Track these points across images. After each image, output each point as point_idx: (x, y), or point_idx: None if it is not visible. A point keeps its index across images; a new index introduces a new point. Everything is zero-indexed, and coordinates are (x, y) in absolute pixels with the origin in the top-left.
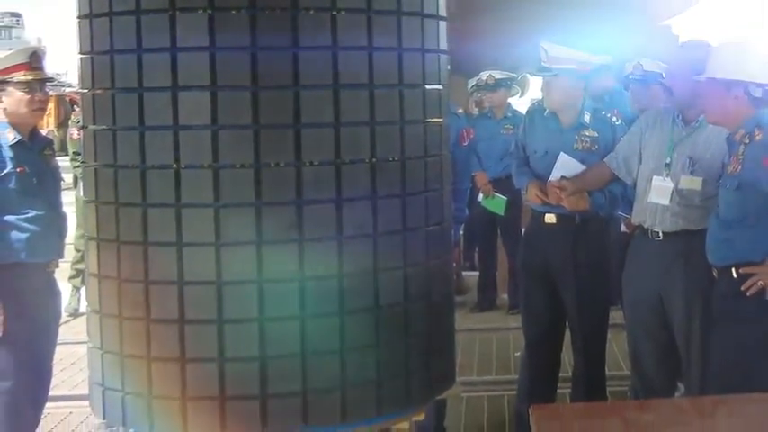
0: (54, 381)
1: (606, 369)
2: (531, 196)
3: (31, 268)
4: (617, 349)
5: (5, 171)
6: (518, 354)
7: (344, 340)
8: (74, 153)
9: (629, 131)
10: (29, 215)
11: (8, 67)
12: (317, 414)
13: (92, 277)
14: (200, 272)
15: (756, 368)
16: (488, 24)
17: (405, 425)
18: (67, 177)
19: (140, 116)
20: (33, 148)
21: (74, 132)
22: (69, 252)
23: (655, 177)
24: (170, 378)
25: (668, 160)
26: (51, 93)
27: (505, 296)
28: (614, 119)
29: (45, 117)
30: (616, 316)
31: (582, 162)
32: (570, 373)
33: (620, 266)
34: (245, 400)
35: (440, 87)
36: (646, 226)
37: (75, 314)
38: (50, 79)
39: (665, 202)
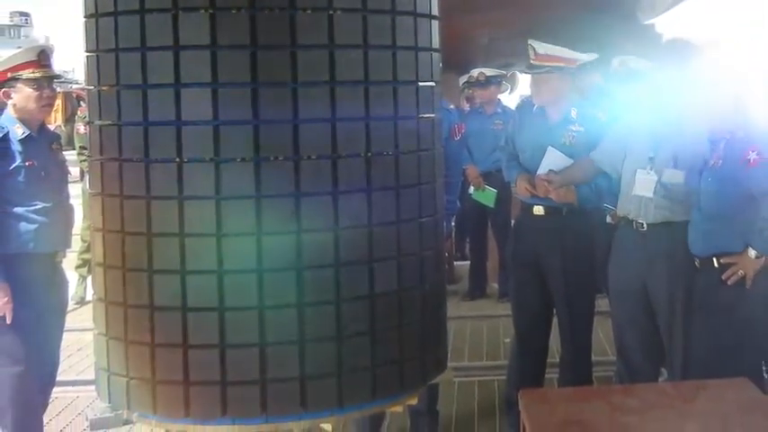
0: (61, 366)
1: (592, 355)
2: (521, 189)
3: (39, 258)
4: (603, 336)
5: (15, 164)
6: (508, 340)
7: (341, 327)
8: (80, 147)
9: (614, 126)
10: (37, 207)
11: (17, 65)
12: (314, 399)
13: (97, 267)
14: (202, 261)
15: (735, 354)
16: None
17: (399, 409)
18: (74, 170)
19: (144, 112)
20: (41, 143)
21: (80, 127)
22: (76, 242)
23: (639, 171)
24: (173, 363)
25: (652, 154)
26: (59, 89)
27: (495, 285)
28: (600, 114)
29: (53, 113)
30: (602, 304)
31: (569, 156)
32: (558, 359)
33: (606, 257)
34: (245, 385)
35: (432, 84)
36: (630, 217)
37: (81, 302)
38: (58, 76)
39: (649, 194)
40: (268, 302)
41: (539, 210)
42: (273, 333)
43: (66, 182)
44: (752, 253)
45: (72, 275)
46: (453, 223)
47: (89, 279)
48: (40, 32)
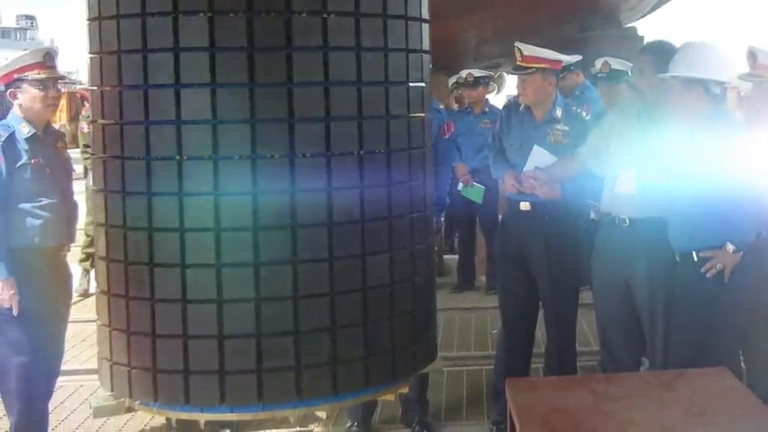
0: (66, 356)
1: (576, 345)
2: (507, 185)
3: (44, 252)
4: (586, 327)
5: (21, 162)
6: (495, 331)
7: (335, 319)
8: (84, 145)
9: (597, 125)
10: (42, 203)
11: (23, 66)
12: (309, 387)
13: (101, 260)
14: (201, 256)
15: (714, 345)
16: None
17: (390, 397)
18: (78, 168)
19: (145, 111)
20: (47, 141)
21: (84, 126)
22: (80, 237)
23: (622, 168)
24: (173, 353)
25: (634, 152)
26: (63, 90)
27: (483, 278)
28: (584, 114)
29: (57, 112)
30: (585, 296)
31: (554, 154)
32: (543, 349)
33: (590, 251)
34: (242, 374)
35: (422, 85)
36: (613, 213)
37: (85, 294)
38: (62, 77)
39: (632, 191)
40: (264, 295)
41: (525, 205)
42: (270, 324)
43: (71, 179)
44: (730, 247)
45: (76, 269)
46: (443, 218)
47: (92, 272)
48: (45, 35)
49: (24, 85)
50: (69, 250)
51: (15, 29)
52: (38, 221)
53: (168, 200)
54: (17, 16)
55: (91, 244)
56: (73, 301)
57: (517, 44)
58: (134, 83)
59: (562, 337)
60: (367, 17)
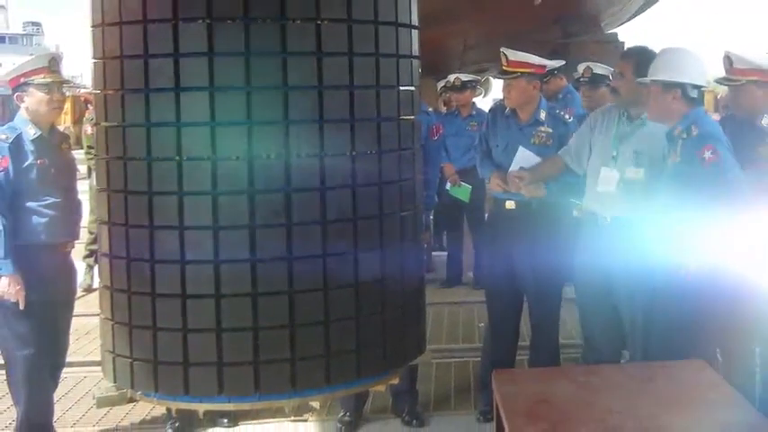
0: (70, 349)
1: (560, 338)
2: (494, 185)
3: (49, 248)
4: (569, 321)
5: (27, 162)
6: (482, 325)
7: (328, 313)
8: (88, 147)
9: (580, 127)
10: (48, 201)
11: (30, 71)
12: (303, 378)
13: (104, 257)
14: (201, 252)
15: (692, 338)
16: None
17: (381, 388)
18: (82, 168)
19: (146, 114)
20: (52, 143)
21: (88, 128)
22: (84, 234)
23: (603, 168)
24: (173, 346)
25: (615, 153)
26: (68, 93)
27: (470, 274)
28: (567, 116)
29: (62, 115)
30: (568, 291)
31: (538, 155)
32: (528, 342)
33: (573, 248)
34: (240, 365)
35: (412, 88)
36: (595, 211)
37: (88, 290)
38: (67, 81)
39: (612, 190)
40: (261, 290)
41: (510, 204)
42: (266, 318)
43: (75, 178)
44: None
45: (80, 265)
46: (431, 217)
47: (96, 268)
48: (50, 41)
49: (31, 89)
50: (73, 247)
51: (22, 35)
52: (43, 219)
53: (168, 199)
54: (24, 23)
55: (94, 241)
56: (77, 295)
57: (503, 50)
58: (135, 87)
59: (546, 331)
60: (359, 24)
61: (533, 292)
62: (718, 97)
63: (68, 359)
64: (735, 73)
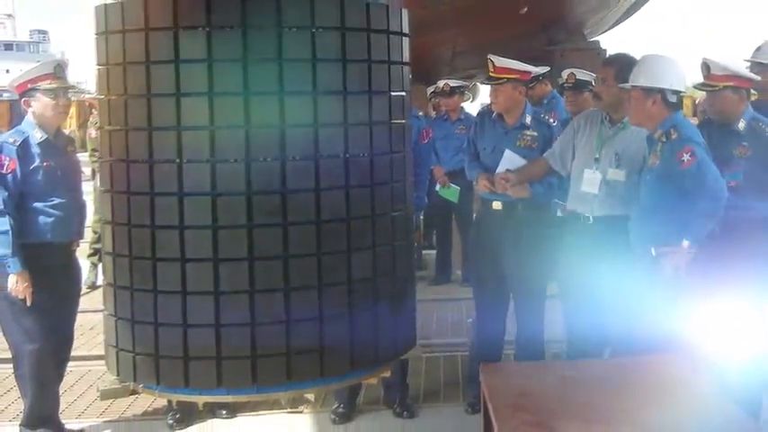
0: (75, 343)
1: (545, 333)
2: (481, 186)
3: (55, 247)
4: (554, 317)
5: (34, 165)
6: (470, 320)
7: (323, 308)
8: (92, 150)
9: (564, 131)
10: (54, 202)
11: (36, 77)
12: (298, 371)
13: (107, 255)
14: (200, 250)
15: (672, 333)
16: None
17: (373, 381)
18: (87, 170)
19: (148, 118)
20: (58, 146)
21: (92, 132)
22: (88, 234)
23: (586, 170)
24: (174, 341)
25: (597, 155)
26: (73, 98)
27: (459, 271)
28: (551, 120)
29: (67, 119)
30: (553, 288)
31: (524, 157)
32: (514, 337)
33: (557, 246)
34: (238, 359)
35: (403, 93)
36: (578, 211)
37: (93, 287)
38: (72, 87)
39: (595, 191)
40: (258, 287)
41: (497, 204)
42: (263, 314)
43: (80, 180)
44: (685, 244)
45: (84, 263)
46: (422, 217)
47: (100, 266)
48: (56, 48)
49: (37, 94)
50: (78, 246)
51: (29, 42)
52: (50, 219)
53: (169, 200)
54: (30, 31)
55: (98, 240)
56: (82, 292)
57: (490, 56)
58: (138, 92)
59: (531, 326)
60: (352, 32)
61: (519, 289)
62: (697, 102)
63: (73, 353)
64: (712, 79)
